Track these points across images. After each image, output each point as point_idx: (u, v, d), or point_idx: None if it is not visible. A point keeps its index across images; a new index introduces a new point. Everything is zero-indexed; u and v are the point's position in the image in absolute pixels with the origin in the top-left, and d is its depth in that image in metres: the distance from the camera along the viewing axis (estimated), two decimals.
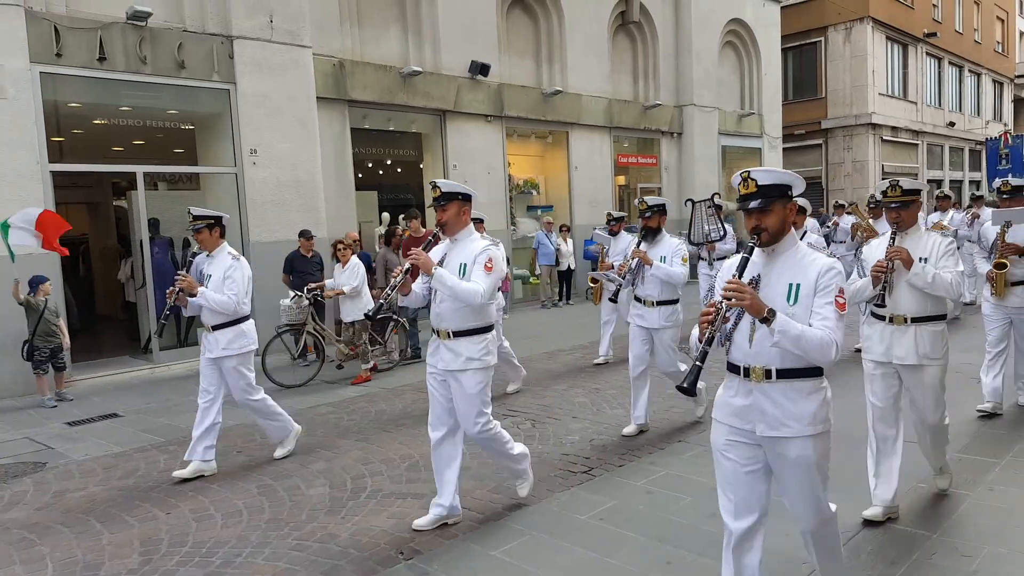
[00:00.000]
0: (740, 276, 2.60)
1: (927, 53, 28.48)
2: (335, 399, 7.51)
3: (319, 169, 10.70)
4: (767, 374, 2.64)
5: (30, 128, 8.21)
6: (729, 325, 2.67)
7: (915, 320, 3.92)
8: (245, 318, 5.33)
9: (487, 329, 4.10)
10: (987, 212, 11.25)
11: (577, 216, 15.35)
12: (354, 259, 8.37)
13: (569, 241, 14.27)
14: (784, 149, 21.79)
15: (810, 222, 12.86)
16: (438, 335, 4.09)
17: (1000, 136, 26.34)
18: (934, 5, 28.59)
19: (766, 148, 20.38)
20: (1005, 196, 5.82)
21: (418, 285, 4.08)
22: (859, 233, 7.88)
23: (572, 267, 14.30)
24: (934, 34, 27.93)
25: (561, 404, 6.84)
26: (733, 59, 19.54)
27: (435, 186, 3.98)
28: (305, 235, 9.45)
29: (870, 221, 8.27)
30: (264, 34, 10.00)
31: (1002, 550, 3.63)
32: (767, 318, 2.48)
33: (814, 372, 2.65)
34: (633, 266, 5.68)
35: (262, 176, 10.08)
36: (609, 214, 8.36)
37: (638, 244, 5.69)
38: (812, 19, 25.09)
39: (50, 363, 7.71)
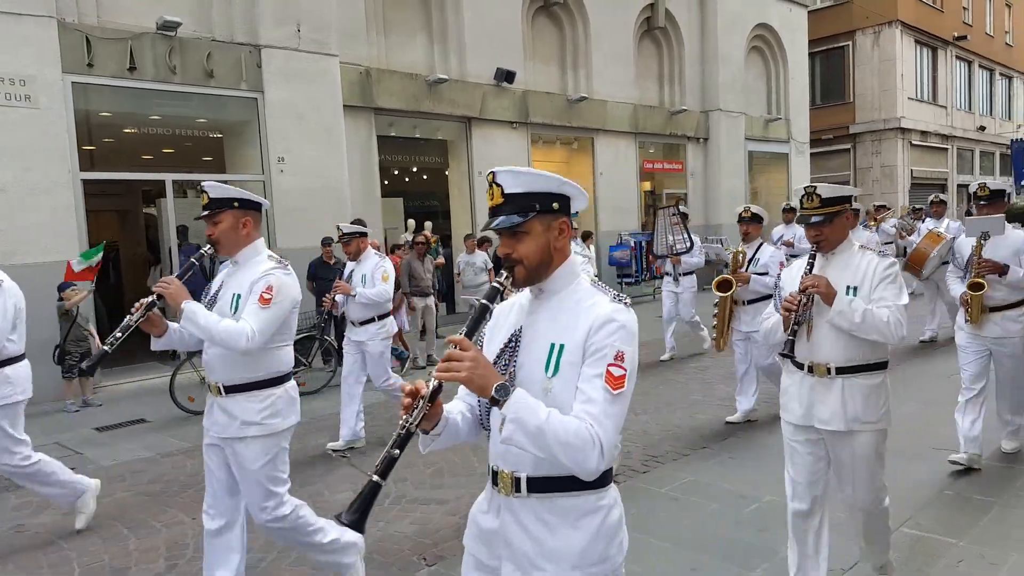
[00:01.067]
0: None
1: (957, 56, 28.02)
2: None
3: (345, 176, 10.77)
4: (828, 371, 3.01)
5: (62, 137, 8.36)
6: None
7: (841, 371, 2.96)
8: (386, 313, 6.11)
9: (272, 383, 3.17)
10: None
11: (602, 223, 15.29)
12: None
13: (592, 248, 14.19)
14: (812, 154, 21.52)
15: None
16: (210, 390, 3.22)
17: None
18: (964, 8, 28.13)
19: (793, 153, 20.15)
20: (983, 202, 4.88)
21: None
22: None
23: (597, 274, 14.21)
24: (964, 37, 27.47)
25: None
26: (760, 64, 19.37)
27: (202, 191, 3.16)
28: (327, 242, 9.49)
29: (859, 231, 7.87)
30: (291, 43, 10.10)
31: None
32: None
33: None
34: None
35: (289, 184, 10.17)
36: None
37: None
38: (840, 23, 24.81)
39: (79, 368, 7.84)
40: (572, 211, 1.92)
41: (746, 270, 5.78)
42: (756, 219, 6.01)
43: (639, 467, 5.13)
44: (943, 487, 4.48)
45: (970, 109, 29.30)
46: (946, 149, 27.53)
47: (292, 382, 3.30)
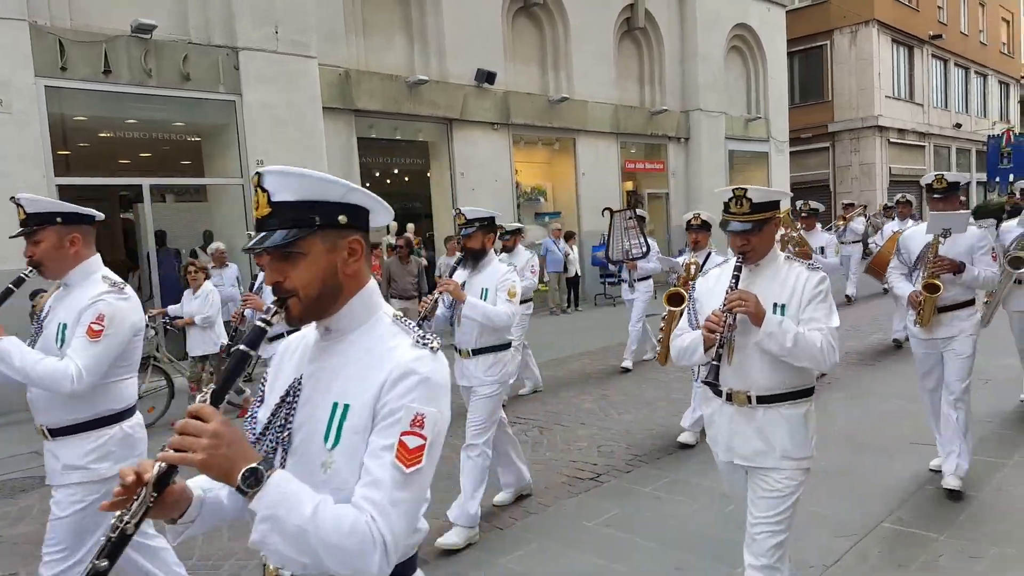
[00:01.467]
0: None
1: (933, 55, 28.40)
2: None
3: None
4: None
5: (36, 142, 8.23)
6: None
7: (763, 400, 2.64)
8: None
9: (105, 422, 2.80)
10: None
11: (585, 223, 15.31)
12: (208, 285, 7.24)
13: (575, 248, 14.23)
14: (791, 153, 21.71)
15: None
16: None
17: (1003, 134, 26.20)
18: (939, 7, 28.52)
19: (773, 152, 20.31)
20: (937, 195, 4.48)
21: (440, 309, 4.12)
22: (789, 248, 6.51)
23: (579, 273, 14.25)
24: (940, 36, 27.86)
25: (569, 411, 6.78)
26: (739, 64, 19.50)
27: (18, 206, 2.76)
28: None
29: (802, 232, 7.13)
30: (270, 45, 10.02)
31: (1011, 551, 3.59)
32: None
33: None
34: (446, 302, 4.19)
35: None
36: (501, 227, 6.74)
37: (451, 272, 4.23)
38: (817, 23, 25.05)
39: None
40: (372, 225, 1.55)
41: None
42: (706, 226, 5.71)
43: (623, 467, 5.13)
44: (924, 482, 4.51)
45: (946, 107, 29.71)
46: (923, 147, 27.89)
47: (135, 418, 2.90)
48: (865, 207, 12.66)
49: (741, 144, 19.24)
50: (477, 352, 4.18)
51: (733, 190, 2.64)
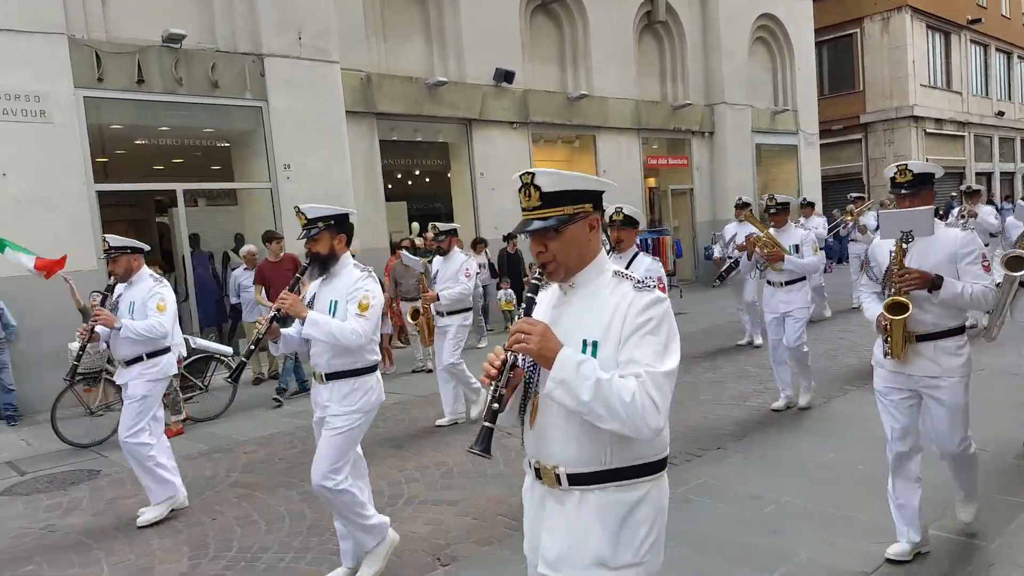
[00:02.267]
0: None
1: (971, 40, 27.61)
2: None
3: (350, 182, 10.90)
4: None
5: (76, 151, 8.55)
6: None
7: (578, 480, 1.91)
8: None
9: None
10: (985, 209, 9.06)
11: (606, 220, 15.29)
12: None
13: None
14: (821, 145, 21.37)
15: (819, 219, 11.89)
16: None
17: None
18: None
19: (803, 145, 20.03)
20: (904, 190, 3.50)
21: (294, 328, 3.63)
22: (757, 250, 6.17)
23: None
24: (979, 20, 27.04)
25: None
26: (765, 55, 19.27)
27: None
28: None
29: (772, 231, 6.27)
30: (293, 51, 10.23)
31: None
32: None
33: None
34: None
35: (296, 190, 10.30)
36: (435, 226, 6.98)
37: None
38: (847, 10, 24.58)
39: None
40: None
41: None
42: (630, 223, 4.91)
43: None
44: None
45: (987, 94, 28.80)
46: (963, 136, 27.14)
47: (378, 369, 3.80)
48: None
49: (769, 137, 19.02)
50: (331, 377, 3.59)
51: (520, 175, 1.96)
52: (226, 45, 9.85)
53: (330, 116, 10.64)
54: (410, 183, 14.05)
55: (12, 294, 7.98)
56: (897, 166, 3.54)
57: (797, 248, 6.17)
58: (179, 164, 11.37)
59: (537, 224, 1.91)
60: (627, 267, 4.61)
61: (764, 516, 4.18)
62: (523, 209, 1.96)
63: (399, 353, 10.22)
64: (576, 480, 1.91)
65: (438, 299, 6.55)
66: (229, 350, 5.86)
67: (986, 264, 3.35)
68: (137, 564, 4.18)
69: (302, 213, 3.60)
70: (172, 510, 4.87)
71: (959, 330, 3.40)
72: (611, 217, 4.87)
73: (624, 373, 1.80)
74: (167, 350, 4.95)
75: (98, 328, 4.76)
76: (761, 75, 19.05)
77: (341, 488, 3.57)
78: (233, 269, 9.71)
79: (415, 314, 6.97)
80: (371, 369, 3.67)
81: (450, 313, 6.65)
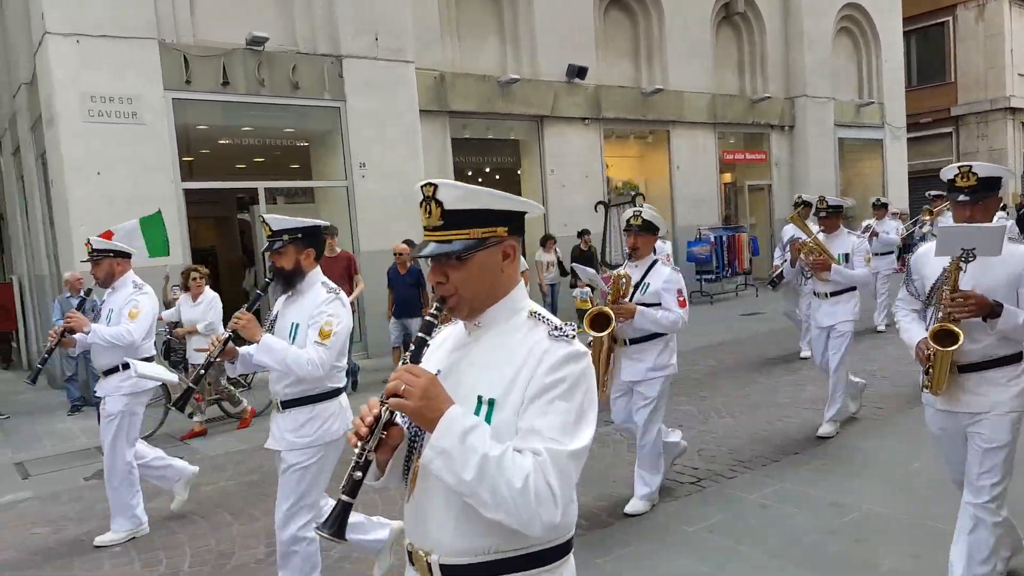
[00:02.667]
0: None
1: None
2: None
3: (422, 180, 10.98)
4: None
5: (165, 150, 8.95)
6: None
7: (452, 573, 1.54)
8: None
9: None
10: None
11: (680, 217, 15.03)
12: (209, 292, 7.08)
13: (667, 244, 13.99)
14: (909, 139, 20.45)
15: (892, 223, 10.22)
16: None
17: None
18: None
19: (888, 139, 19.23)
20: (964, 197, 2.93)
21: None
22: (802, 257, 5.65)
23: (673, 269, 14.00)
24: None
25: (665, 413, 6.68)
26: (849, 46, 18.55)
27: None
28: (408, 244, 9.60)
29: (820, 236, 5.74)
30: (370, 52, 10.42)
31: None
32: None
33: None
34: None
35: (371, 189, 10.50)
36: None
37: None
38: None
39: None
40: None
41: (631, 299, 4.33)
42: (648, 228, 4.41)
43: (725, 472, 5.01)
44: None
45: None
46: None
47: (343, 395, 3.47)
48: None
49: (852, 131, 18.32)
50: (287, 405, 3.29)
51: (422, 187, 1.61)
52: (306, 47, 10.11)
53: (405, 115, 10.79)
54: (481, 180, 14.11)
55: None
56: (960, 167, 2.93)
57: (847, 257, 5.59)
58: (260, 163, 11.75)
59: (433, 248, 1.54)
60: (643, 278, 4.39)
61: (845, 524, 4.05)
62: (424, 228, 1.59)
63: None
64: (449, 573, 1.52)
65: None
66: (174, 378, 5.70)
67: None
68: (217, 550, 4.35)
69: (267, 224, 3.32)
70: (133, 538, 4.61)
71: (1014, 358, 2.91)
72: (628, 221, 4.44)
73: (521, 446, 1.41)
74: (150, 359, 4.64)
75: (78, 336, 4.49)
76: (845, 66, 18.36)
77: (299, 537, 3.23)
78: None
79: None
80: (331, 395, 3.31)
81: None
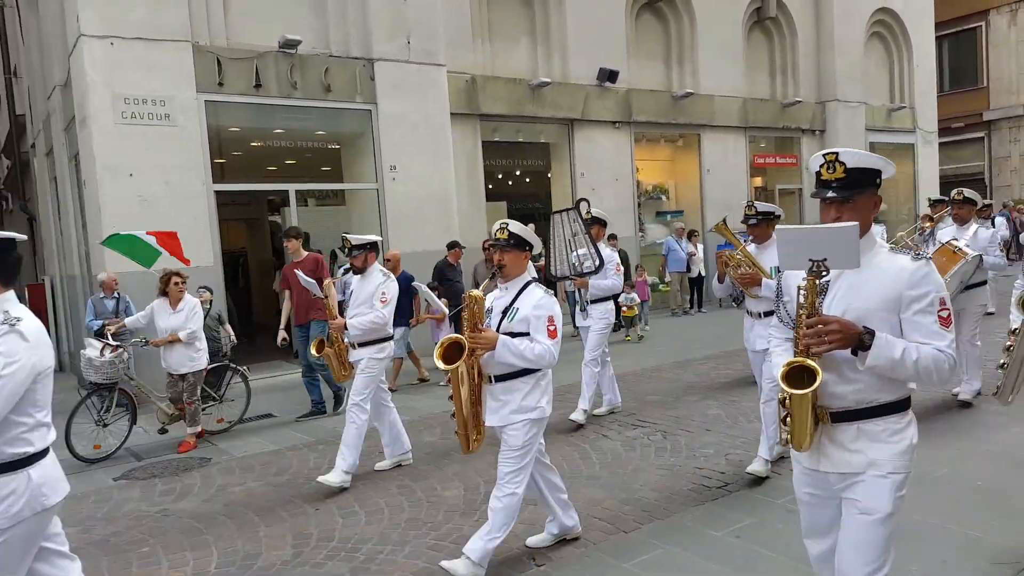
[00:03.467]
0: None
1: None
2: None
3: (452, 183, 11.07)
4: None
5: (197, 152, 9.05)
6: None
7: None
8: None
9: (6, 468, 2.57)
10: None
11: (710, 221, 14.87)
12: (190, 298, 6.79)
13: (699, 247, 13.91)
14: (940, 144, 20.16)
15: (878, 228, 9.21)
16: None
17: None
18: None
19: (920, 144, 18.96)
20: (832, 193, 2.31)
21: None
22: (729, 271, 4.92)
23: (703, 273, 13.92)
24: None
25: (694, 416, 6.65)
26: (881, 50, 18.34)
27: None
28: (452, 245, 9.73)
29: (751, 248, 5.05)
30: (402, 55, 10.48)
31: None
32: None
33: None
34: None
35: (401, 191, 10.55)
36: (346, 238, 5.64)
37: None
38: (970, 3, 23.11)
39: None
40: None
41: (498, 327, 3.65)
42: (519, 244, 3.75)
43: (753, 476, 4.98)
44: None
45: None
46: None
47: (42, 462, 2.66)
48: (1005, 204, 9.67)
49: (884, 136, 18.09)
50: None
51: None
52: (339, 50, 10.20)
53: (436, 118, 10.82)
54: (510, 183, 14.15)
55: (130, 287, 8.37)
56: (825, 155, 2.33)
57: (778, 270, 4.71)
58: (291, 165, 11.87)
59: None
60: (512, 302, 3.68)
61: None
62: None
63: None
64: None
65: (346, 328, 5.43)
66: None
67: (946, 314, 2.22)
68: (244, 551, 4.33)
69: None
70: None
71: (898, 406, 2.30)
72: (495, 235, 3.80)
73: None
74: None
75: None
76: (877, 71, 18.16)
77: None
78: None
79: (320, 345, 5.72)
80: (11, 467, 2.55)
81: (362, 345, 5.44)
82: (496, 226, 3.82)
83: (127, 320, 7.03)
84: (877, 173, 2.33)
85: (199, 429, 6.88)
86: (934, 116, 19.43)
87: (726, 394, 7.44)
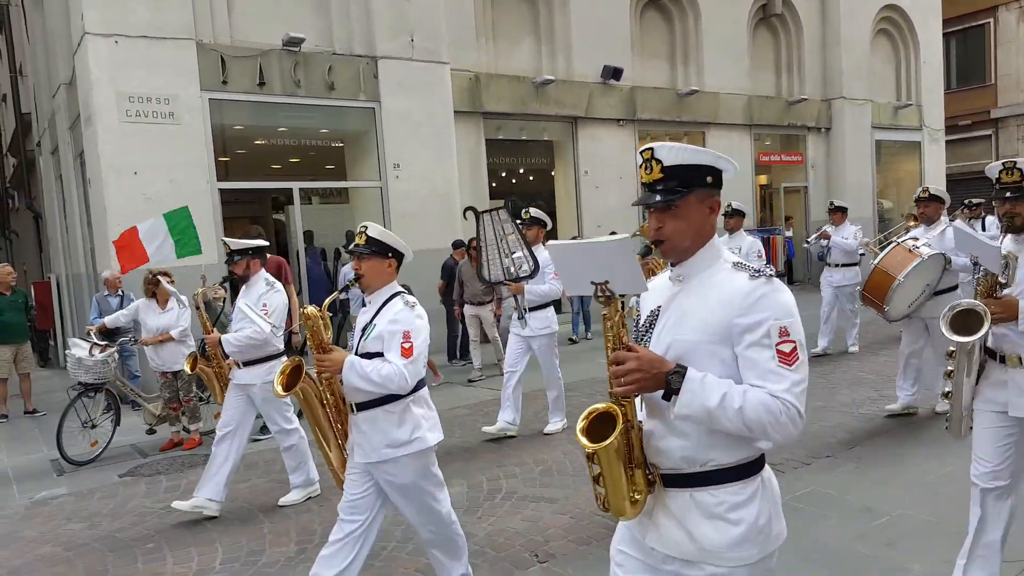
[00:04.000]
0: None
1: None
2: (471, 401, 7.73)
3: (456, 181, 11.06)
4: None
5: (201, 150, 9.06)
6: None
7: None
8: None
9: None
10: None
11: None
12: (172, 296, 6.70)
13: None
14: (947, 142, 20.06)
15: (852, 228, 8.85)
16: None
17: None
18: None
19: (927, 141, 18.86)
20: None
21: None
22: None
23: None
24: None
25: None
26: (887, 48, 18.23)
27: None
28: (457, 244, 9.73)
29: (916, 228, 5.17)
30: (405, 53, 10.48)
31: None
32: None
33: None
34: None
35: (404, 189, 10.55)
36: (225, 242, 5.19)
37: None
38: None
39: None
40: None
41: (356, 348, 3.19)
42: (380, 250, 3.16)
43: None
44: None
45: None
46: None
47: None
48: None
49: (890, 133, 18.02)
50: None
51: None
52: (342, 48, 10.20)
53: (439, 116, 10.82)
54: (514, 181, 14.12)
55: (133, 287, 8.37)
56: (642, 152, 1.96)
57: None
58: (295, 163, 11.88)
59: None
60: (373, 318, 3.14)
61: (876, 528, 4.01)
62: None
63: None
64: None
65: (220, 343, 4.95)
66: None
67: (789, 348, 1.73)
68: (248, 547, 4.34)
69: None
70: None
71: (737, 471, 1.79)
72: (355, 241, 3.21)
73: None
74: None
75: None
76: (883, 69, 18.05)
77: None
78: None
79: (193, 363, 5.49)
80: None
81: (247, 364, 4.91)
82: (358, 230, 3.25)
83: (107, 319, 6.82)
84: (708, 170, 1.89)
85: (200, 425, 6.87)
86: (941, 114, 19.30)
87: None
